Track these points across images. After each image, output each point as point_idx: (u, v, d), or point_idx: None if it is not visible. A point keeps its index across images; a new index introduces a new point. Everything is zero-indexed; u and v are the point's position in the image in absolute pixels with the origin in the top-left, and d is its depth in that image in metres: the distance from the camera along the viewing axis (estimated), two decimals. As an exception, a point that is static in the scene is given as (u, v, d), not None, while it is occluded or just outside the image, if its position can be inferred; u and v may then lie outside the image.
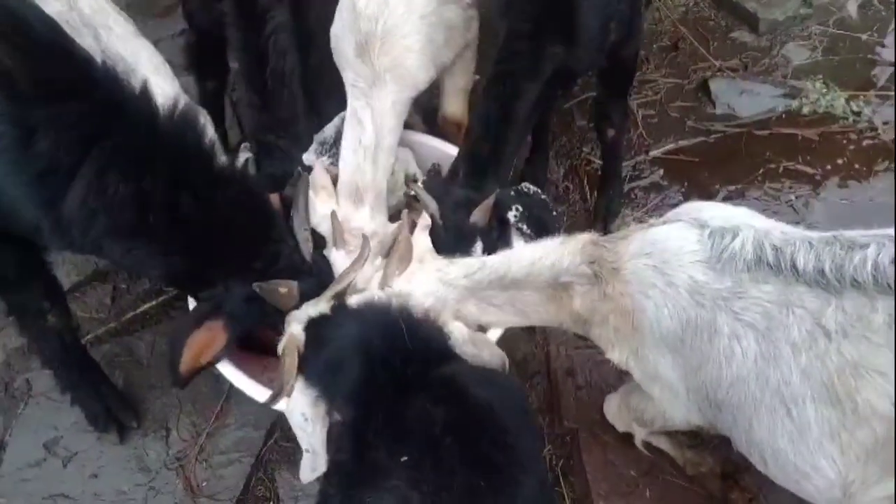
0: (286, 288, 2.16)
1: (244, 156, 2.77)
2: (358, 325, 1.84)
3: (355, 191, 2.48)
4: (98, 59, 2.12)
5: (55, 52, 1.97)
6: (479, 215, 2.37)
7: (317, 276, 2.31)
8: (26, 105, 1.93)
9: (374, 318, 1.84)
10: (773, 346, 1.71)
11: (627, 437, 2.45)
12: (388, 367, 1.68)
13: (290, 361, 1.97)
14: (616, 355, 2.02)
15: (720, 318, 1.77)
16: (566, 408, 2.70)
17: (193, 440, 2.80)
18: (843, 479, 1.70)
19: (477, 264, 2.10)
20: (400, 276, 2.13)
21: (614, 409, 2.44)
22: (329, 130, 2.63)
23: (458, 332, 2.07)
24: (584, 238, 2.03)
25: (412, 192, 2.55)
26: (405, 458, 1.52)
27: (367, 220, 2.47)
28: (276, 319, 2.18)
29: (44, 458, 2.79)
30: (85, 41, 2.37)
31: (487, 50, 2.70)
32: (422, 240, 2.29)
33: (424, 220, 2.34)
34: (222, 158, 2.24)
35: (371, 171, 2.48)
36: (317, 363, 1.91)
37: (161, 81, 2.53)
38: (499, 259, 2.10)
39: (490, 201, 2.36)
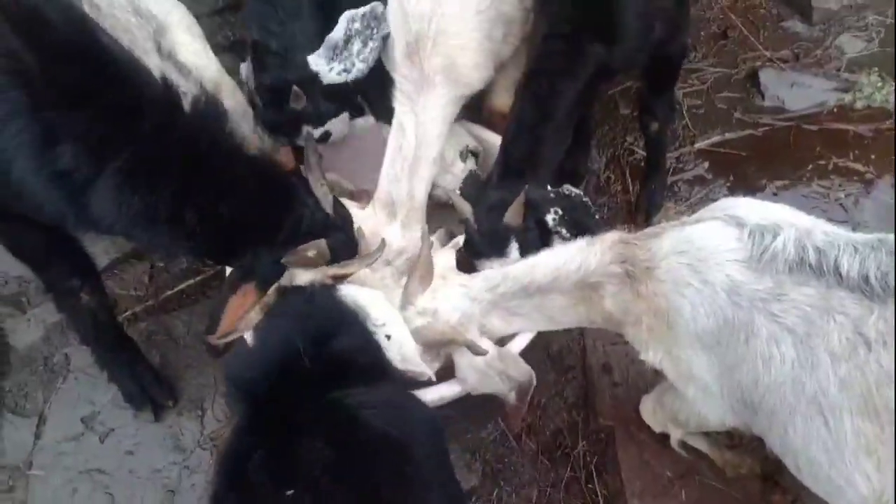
0: (314, 250, 2.14)
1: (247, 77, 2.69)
2: (279, 331, 1.81)
3: (390, 203, 2.45)
4: (130, 15, 2.08)
5: (74, 51, 1.94)
6: (511, 215, 2.32)
7: (342, 228, 2.31)
8: (45, 106, 1.92)
9: (291, 323, 1.81)
10: (811, 353, 1.67)
11: (664, 438, 2.42)
12: (285, 388, 1.62)
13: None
14: (650, 356, 1.99)
15: (758, 319, 1.72)
16: (602, 404, 2.67)
17: (228, 421, 2.81)
18: (878, 496, 1.66)
19: (500, 276, 2.08)
20: (423, 294, 2.12)
21: (650, 409, 2.41)
22: (338, 32, 2.48)
23: (486, 348, 2.06)
24: (611, 237, 1.99)
25: (447, 198, 2.51)
26: (290, 493, 1.47)
27: (397, 236, 2.44)
28: None
29: (81, 433, 2.83)
30: None
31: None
32: (445, 256, 2.28)
33: (455, 241, 2.34)
34: (243, 138, 2.23)
35: (407, 182, 2.44)
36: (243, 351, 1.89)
37: (191, 41, 2.56)
38: (521, 268, 2.07)
39: (521, 199, 2.30)
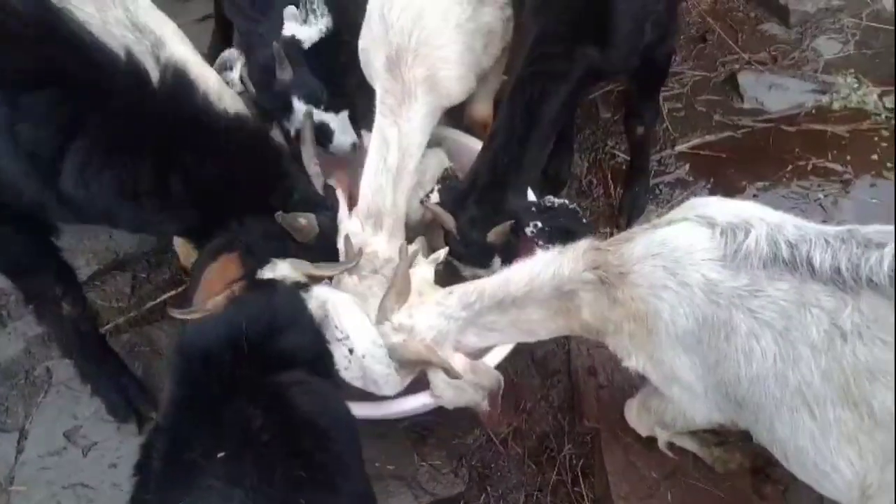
0: (305, 220, 2.16)
1: (236, 65, 2.77)
2: (214, 323, 1.81)
3: (376, 214, 2.44)
4: (127, 31, 2.18)
5: (38, 34, 1.96)
6: (494, 237, 2.34)
7: (331, 208, 2.34)
8: (10, 89, 1.94)
9: (227, 318, 1.80)
10: (791, 347, 1.69)
11: (650, 439, 2.42)
12: (214, 368, 1.64)
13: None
14: (633, 362, 2.00)
15: (737, 316, 1.75)
16: (587, 407, 2.67)
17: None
18: (862, 480, 1.69)
19: (475, 293, 2.08)
20: (399, 310, 2.13)
21: (635, 413, 2.41)
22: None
23: (458, 363, 2.08)
24: (583, 245, 2.00)
25: (428, 208, 2.51)
26: (221, 455, 1.49)
27: (383, 245, 2.44)
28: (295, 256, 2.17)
29: (64, 447, 2.79)
30: (114, 12, 2.45)
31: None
32: (422, 272, 2.28)
33: (435, 255, 2.36)
34: (222, 105, 2.23)
35: (392, 193, 2.45)
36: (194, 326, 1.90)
37: (187, 52, 2.58)
38: (496, 282, 2.08)
39: (507, 226, 2.32)
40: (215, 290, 2.11)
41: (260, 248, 2.16)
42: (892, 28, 3.68)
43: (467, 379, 2.08)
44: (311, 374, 1.76)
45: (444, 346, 2.07)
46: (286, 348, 1.75)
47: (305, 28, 2.63)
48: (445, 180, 2.53)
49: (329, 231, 2.32)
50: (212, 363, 1.64)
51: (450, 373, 2.04)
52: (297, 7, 2.64)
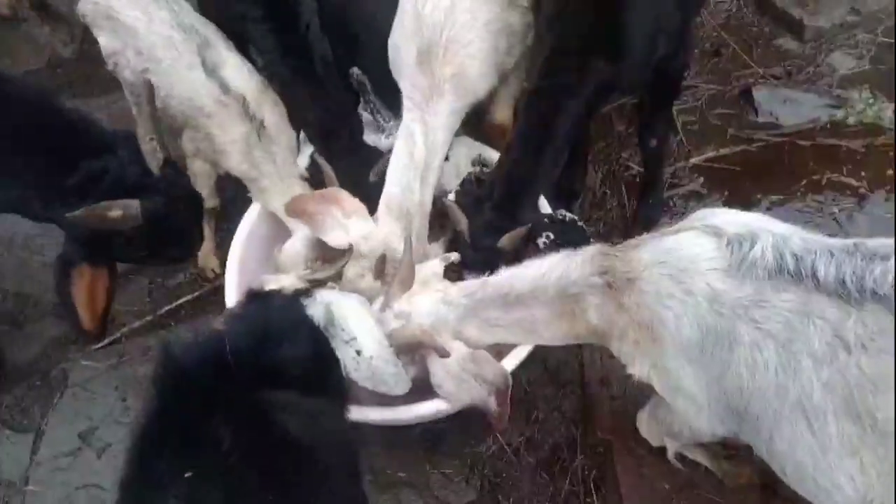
0: (120, 210, 2.00)
1: (307, 150, 2.75)
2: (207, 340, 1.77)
3: (405, 213, 2.44)
4: (174, 31, 2.30)
5: None
6: (507, 242, 2.35)
7: (165, 191, 2.18)
8: None
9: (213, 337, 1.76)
10: (793, 358, 1.69)
11: (663, 451, 2.41)
12: (193, 383, 1.62)
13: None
14: (637, 369, 2.00)
15: (740, 327, 1.74)
16: (600, 418, 2.67)
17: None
18: (862, 496, 1.67)
19: (478, 284, 2.09)
20: (402, 298, 2.14)
21: (645, 424, 2.40)
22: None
23: (455, 350, 2.07)
24: (591, 250, 2.01)
25: (445, 206, 2.52)
26: (188, 475, 1.47)
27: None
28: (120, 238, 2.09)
29: (78, 448, 2.82)
30: (160, 14, 2.56)
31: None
32: (432, 265, 2.29)
33: (447, 255, 2.37)
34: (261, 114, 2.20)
35: (419, 190, 2.45)
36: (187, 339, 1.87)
37: (231, 56, 2.65)
38: (501, 277, 2.09)
39: (521, 232, 2.33)
40: (97, 302, 2.12)
41: (84, 239, 2.06)
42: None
43: (467, 368, 2.06)
44: (305, 389, 1.72)
45: (442, 334, 2.07)
46: (277, 364, 1.72)
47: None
48: (464, 184, 2.55)
49: (157, 218, 2.14)
50: (191, 379, 1.62)
51: (441, 351, 2.02)
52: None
